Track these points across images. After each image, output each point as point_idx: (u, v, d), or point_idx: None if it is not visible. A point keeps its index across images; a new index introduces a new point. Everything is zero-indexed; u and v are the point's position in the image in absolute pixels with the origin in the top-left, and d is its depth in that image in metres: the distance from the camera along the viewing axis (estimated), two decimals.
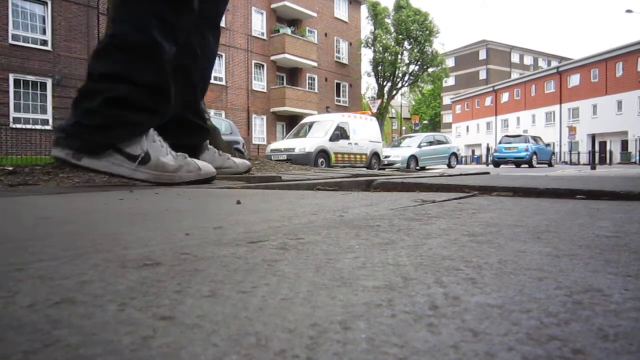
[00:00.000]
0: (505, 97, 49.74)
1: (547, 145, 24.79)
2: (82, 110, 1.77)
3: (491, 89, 50.88)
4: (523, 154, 20.96)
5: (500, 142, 23.26)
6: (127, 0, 1.82)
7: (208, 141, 2.52)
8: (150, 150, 1.85)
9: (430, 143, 19.21)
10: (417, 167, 17.51)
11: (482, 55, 60.04)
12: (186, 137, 2.30)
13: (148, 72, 1.80)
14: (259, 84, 24.32)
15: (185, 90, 2.23)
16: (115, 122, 1.75)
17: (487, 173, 2.84)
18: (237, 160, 2.68)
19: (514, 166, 20.73)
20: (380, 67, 32.79)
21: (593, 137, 16.54)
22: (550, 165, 22.03)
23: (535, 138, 22.79)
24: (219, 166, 2.40)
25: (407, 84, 35.24)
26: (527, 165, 20.43)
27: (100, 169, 1.80)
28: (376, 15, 31.42)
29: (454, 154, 20.23)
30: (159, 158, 1.86)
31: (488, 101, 51.55)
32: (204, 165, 2.04)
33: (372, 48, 32.40)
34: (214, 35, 2.39)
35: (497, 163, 22.31)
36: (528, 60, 62.21)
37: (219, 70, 22.46)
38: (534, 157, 20.91)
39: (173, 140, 2.08)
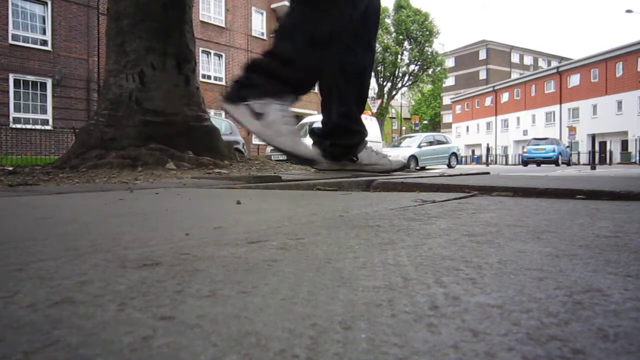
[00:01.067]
0: (505, 97, 49.74)
1: (567, 147, 27.76)
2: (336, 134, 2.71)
3: (491, 89, 50.88)
4: (551, 154, 23.42)
5: (528, 144, 25.69)
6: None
7: (367, 142, 2.99)
8: (364, 155, 2.71)
9: (430, 143, 19.23)
10: (417, 167, 17.51)
11: (482, 55, 60.04)
12: (346, 139, 2.86)
13: (354, 93, 2.65)
14: None
15: (341, 104, 2.80)
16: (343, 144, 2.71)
17: (487, 173, 2.84)
18: (392, 159, 3.06)
19: (537, 165, 22.78)
20: (380, 67, 32.78)
21: (593, 137, 16.54)
22: (568, 164, 24.35)
23: (557, 140, 25.62)
24: (374, 162, 2.82)
25: (407, 84, 35.25)
26: (553, 165, 22.39)
27: (337, 167, 2.69)
28: None
29: (454, 154, 20.26)
30: (369, 158, 2.75)
31: (488, 101, 51.55)
32: (395, 161, 2.80)
33: None
34: (364, 51, 2.81)
35: (525, 162, 24.31)
36: (528, 60, 62.22)
37: (218, 71, 22.45)
38: (560, 157, 23.41)
39: (335, 141, 2.75)
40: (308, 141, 2.94)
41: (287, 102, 2.31)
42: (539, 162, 23.10)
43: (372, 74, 3.16)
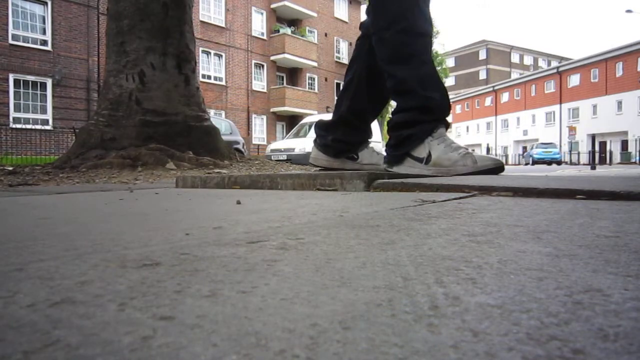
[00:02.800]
0: (505, 97, 49.74)
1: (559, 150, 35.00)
2: (389, 140, 2.47)
3: (491, 89, 50.88)
4: (557, 155, 30.84)
5: (537, 148, 32.81)
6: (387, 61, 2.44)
7: (370, 141, 2.88)
8: (432, 150, 2.31)
9: None
10: None
11: (482, 55, 60.04)
12: (349, 135, 2.76)
13: (413, 99, 2.34)
14: (259, 84, 24.32)
15: (355, 102, 2.73)
16: (401, 138, 2.35)
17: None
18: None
19: (548, 165, 27.72)
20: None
21: (593, 137, 16.54)
22: (559, 164, 29.95)
23: (556, 145, 32.77)
24: (374, 162, 2.74)
25: None
26: (557, 164, 27.78)
27: (402, 171, 2.34)
28: None
29: None
30: (438, 156, 2.31)
31: (488, 101, 51.55)
32: (481, 159, 2.35)
33: None
34: None
35: (535, 162, 30.41)
36: (528, 60, 62.22)
37: (218, 71, 22.46)
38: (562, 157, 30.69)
39: (339, 136, 2.66)
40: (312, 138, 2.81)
41: (440, 130, 2.36)
42: (548, 162, 28.95)
43: None
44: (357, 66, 2.68)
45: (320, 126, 2.87)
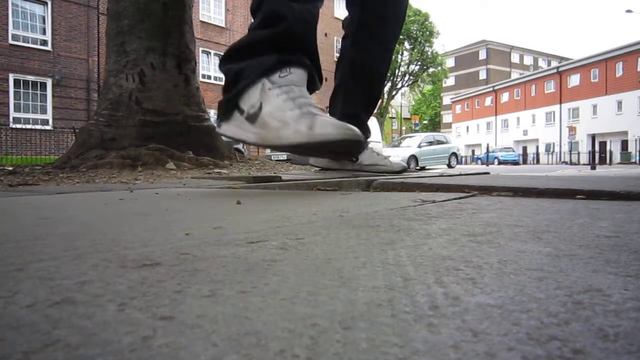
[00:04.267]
0: (505, 97, 49.74)
1: (519, 153, 41.14)
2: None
3: (491, 89, 50.88)
4: (516, 158, 36.85)
5: (500, 152, 37.73)
6: None
7: (369, 143, 2.61)
8: (266, 101, 1.46)
9: (430, 143, 19.24)
10: (417, 167, 17.52)
11: (482, 55, 60.04)
12: None
13: (258, 14, 1.58)
14: None
15: (347, 105, 2.47)
16: (231, 75, 1.56)
17: (487, 173, 2.84)
18: (393, 161, 2.77)
19: (506, 165, 31.94)
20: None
21: (593, 137, 16.55)
22: (517, 164, 34.84)
23: (513, 149, 38.91)
24: (374, 163, 2.56)
25: (407, 84, 35.26)
26: (516, 165, 32.84)
27: (231, 134, 1.57)
28: None
29: (454, 154, 20.29)
30: (270, 113, 1.44)
31: (488, 101, 51.55)
32: (323, 125, 1.44)
33: None
34: (379, 52, 2.49)
35: (500, 163, 34.90)
36: (528, 60, 62.22)
37: (218, 71, 22.45)
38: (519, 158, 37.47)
39: None
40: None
41: (292, 75, 1.54)
42: (511, 163, 34.42)
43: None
44: (342, 66, 2.48)
45: None
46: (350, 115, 2.30)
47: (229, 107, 1.55)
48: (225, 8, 22.53)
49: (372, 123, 16.12)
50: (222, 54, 1.68)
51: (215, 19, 22.22)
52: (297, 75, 1.55)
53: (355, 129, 1.51)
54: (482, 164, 34.35)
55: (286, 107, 1.46)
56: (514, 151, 36.50)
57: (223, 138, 1.94)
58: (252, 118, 1.48)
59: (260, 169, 3.99)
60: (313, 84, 1.64)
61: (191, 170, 3.51)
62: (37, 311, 0.36)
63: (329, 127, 1.45)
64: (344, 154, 1.64)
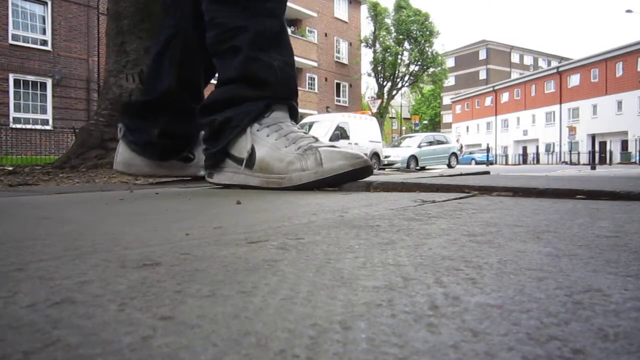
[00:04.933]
0: (505, 97, 49.75)
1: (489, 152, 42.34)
2: (204, 128, 1.62)
3: (491, 89, 50.89)
4: (491, 158, 36.69)
5: (477, 153, 41.29)
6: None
7: (202, 132, 1.98)
8: (258, 145, 1.45)
9: (430, 143, 19.24)
10: (417, 167, 17.53)
11: (482, 55, 60.04)
12: (182, 123, 1.82)
13: (233, 65, 1.56)
14: None
15: (185, 68, 1.79)
16: (216, 126, 1.56)
17: (487, 173, 2.84)
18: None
19: (485, 165, 32.21)
20: (380, 67, 32.80)
21: (593, 137, 16.55)
22: (492, 164, 36.21)
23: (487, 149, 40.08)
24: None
25: (407, 84, 35.27)
26: (491, 164, 33.49)
27: (226, 182, 1.57)
28: (376, 15, 31.43)
29: (454, 154, 20.31)
30: (271, 156, 1.44)
31: (488, 101, 51.56)
32: (330, 157, 1.41)
33: (373, 48, 32.41)
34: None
35: (477, 163, 36.98)
36: (528, 60, 62.23)
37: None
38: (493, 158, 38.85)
39: (166, 127, 1.76)
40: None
41: (276, 114, 1.53)
42: (486, 163, 35.52)
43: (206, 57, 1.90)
44: (180, 15, 1.76)
45: (130, 113, 1.88)
46: (190, 84, 1.83)
47: (219, 157, 1.56)
48: None
49: (372, 123, 16.12)
50: (199, 107, 1.62)
51: None
52: (280, 111, 1.54)
53: (361, 154, 1.51)
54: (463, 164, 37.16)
55: (281, 145, 1.45)
56: (488, 151, 39.21)
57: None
58: (249, 163, 1.47)
59: None
60: (294, 112, 1.61)
61: None
62: (37, 311, 0.36)
63: (337, 159, 1.43)
64: (347, 179, 1.51)
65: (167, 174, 1.94)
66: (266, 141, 1.47)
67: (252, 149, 1.47)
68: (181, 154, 1.90)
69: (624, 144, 35.93)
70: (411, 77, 34.14)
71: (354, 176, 1.47)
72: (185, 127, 1.85)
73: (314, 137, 1.54)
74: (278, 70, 1.53)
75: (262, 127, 1.49)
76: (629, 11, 31.70)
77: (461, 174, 2.55)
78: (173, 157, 1.89)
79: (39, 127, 15.93)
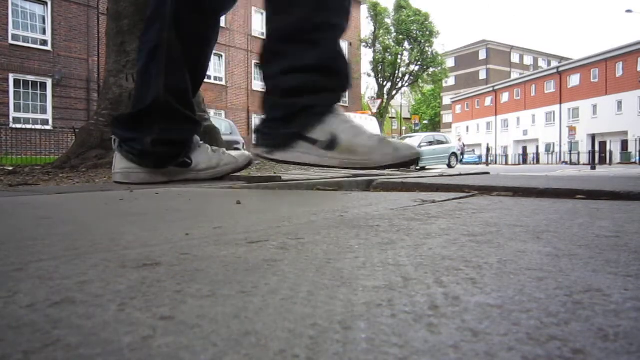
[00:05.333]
0: (505, 97, 49.74)
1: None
2: (267, 107, 1.79)
3: (491, 89, 50.88)
4: (478, 159, 40.19)
5: (467, 154, 41.68)
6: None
7: (198, 137, 2.06)
8: (339, 132, 1.65)
9: (430, 143, 19.25)
10: (417, 167, 17.52)
11: (482, 55, 60.05)
12: (174, 129, 1.87)
13: (314, 55, 1.69)
14: (259, 84, 24.28)
15: (172, 75, 1.84)
16: (294, 111, 1.70)
17: (487, 173, 2.84)
18: (235, 153, 2.20)
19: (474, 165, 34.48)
20: (380, 67, 32.79)
21: (593, 137, 16.56)
22: (479, 164, 37.92)
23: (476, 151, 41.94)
24: (215, 165, 2.06)
25: (407, 84, 35.27)
26: (477, 165, 35.26)
27: (290, 159, 1.75)
28: (376, 15, 31.43)
29: (454, 154, 20.32)
30: (351, 141, 1.65)
31: (488, 101, 51.56)
32: (400, 147, 1.75)
33: (372, 48, 32.40)
34: (214, 24, 2.03)
35: (463, 163, 38.31)
36: (528, 60, 62.23)
37: (219, 70, 22.46)
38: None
39: (159, 135, 1.81)
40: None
41: (338, 107, 1.76)
42: (475, 163, 38.25)
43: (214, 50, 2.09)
44: (160, 27, 1.78)
45: (121, 124, 1.93)
46: (178, 90, 1.86)
47: (291, 138, 1.71)
48: None
49: (372, 123, 16.12)
50: (283, 91, 1.76)
51: None
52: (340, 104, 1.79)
53: (416, 148, 1.86)
54: None
55: (358, 132, 1.71)
56: (474, 153, 38.20)
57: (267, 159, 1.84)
58: (330, 146, 1.67)
59: (260, 169, 3.99)
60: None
61: None
62: (37, 311, 0.36)
63: (404, 149, 1.76)
64: (409, 164, 1.83)
65: (166, 181, 1.97)
66: (345, 129, 1.68)
67: (334, 135, 1.66)
68: (177, 160, 1.95)
69: (624, 144, 35.92)
70: (411, 77, 34.14)
71: (413, 162, 1.81)
72: (179, 133, 1.91)
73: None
74: (345, 61, 1.73)
75: (337, 116, 1.70)
76: (629, 11, 31.71)
77: (461, 174, 2.55)
78: (170, 163, 1.94)
79: (39, 127, 15.93)
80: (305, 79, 1.69)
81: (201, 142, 2.09)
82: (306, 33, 1.68)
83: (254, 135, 1.88)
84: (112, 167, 2.04)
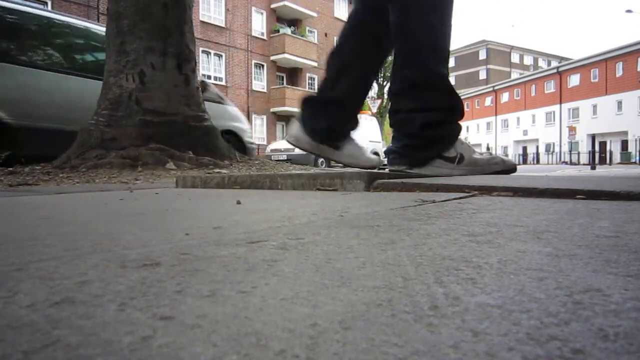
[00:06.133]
0: (505, 97, 49.76)
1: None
2: (406, 135, 2.33)
3: (491, 89, 50.92)
4: None
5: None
6: (409, 49, 2.29)
7: (350, 136, 2.67)
8: (463, 151, 2.34)
9: None
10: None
11: (482, 55, 60.05)
12: (341, 122, 2.54)
13: (441, 98, 2.29)
14: (259, 84, 24.33)
15: (354, 84, 2.51)
16: (433, 139, 2.30)
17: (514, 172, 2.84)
18: (372, 156, 2.75)
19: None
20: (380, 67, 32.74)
21: (593, 137, 16.57)
22: None
23: None
24: (357, 157, 2.57)
25: None
26: None
27: (428, 172, 2.27)
28: None
29: None
30: (471, 156, 2.34)
31: (488, 101, 51.58)
32: (507, 159, 2.49)
33: None
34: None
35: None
36: (528, 60, 62.24)
37: (218, 70, 22.46)
38: None
39: (332, 123, 2.44)
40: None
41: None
42: None
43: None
44: (356, 41, 2.43)
45: (311, 105, 2.55)
46: (354, 96, 2.48)
47: (431, 158, 2.29)
48: (225, 8, 22.53)
49: (372, 123, 16.13)
50: (423, 124, 2.31)
51: (215, 19, 22.22)
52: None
53: (512, 160, 2.64)
54: None
55: (475, 153, 2.38)
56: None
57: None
58: (459, 161, 2.33)
59: (261, 169, 3.99)
60: None
61: (191, 170, 3.51)
62: (37, 311, 0.36)
63: (507, 162, 2.48)
64: (511, 172, 2.42)
65: (319, 154, 2.59)
66: (465, 149, 2.36)
67: (460, 154, 2.33)
68: (334, 143, 2.52)
69: (624, 144, 35.93)
70: None
71: (513, 171, 2.44)
72: (346, 124, 2.51)
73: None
74: (459, 98, 2.37)
75: (459, 142, 2.36)
76: (629, 11, 31.72)
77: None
78: (328, 143, 2.53)
79: None
80: (439, 116, 2.31)
81: (353, 138, 2.61)
82: (435, 81, 2.26)
83: (389, 156, 2.44)
84: (288, 129, 2.65)
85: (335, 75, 2.49)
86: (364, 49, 2.46)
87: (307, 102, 2.55)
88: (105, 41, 4.43)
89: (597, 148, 20.53)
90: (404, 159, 2.34)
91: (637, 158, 30.89)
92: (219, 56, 22.39)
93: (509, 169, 2.42)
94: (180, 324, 0.33)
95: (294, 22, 25.71)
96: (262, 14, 24.33)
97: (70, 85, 4.97)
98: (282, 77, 25.46)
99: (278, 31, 24.25)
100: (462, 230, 0.75)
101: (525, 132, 47.08)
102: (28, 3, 5.38)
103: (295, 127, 2.56)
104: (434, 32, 2.27)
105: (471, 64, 61.08)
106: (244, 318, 0.35)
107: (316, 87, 26.77)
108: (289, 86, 24.53)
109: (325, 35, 27.45)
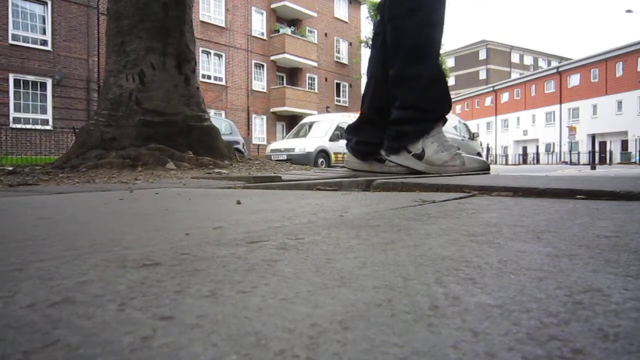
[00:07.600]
0: (505, 97, 49.73)
1: None
2: (389, 126, 2.62)
3: (491, 89, 50.87)
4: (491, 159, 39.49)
5: None
6: (393, 51, 2.60)
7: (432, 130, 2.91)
8: (427, 148, 2.53)
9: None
10: None
11: (482, 55, 60.03)
12: (373, 135, 2.81)
13: (411, 98, 2.51)
14: (259, 84, 24.31)
15: (374, 99, 2.84)
16: (401, 133, 2.58)
17: (487, 173, 2.83)
18: (466, 156, 2.99)
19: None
20: None
21: (593, 137, 16.56)
22: None
23: None
24: (405, 165, 2.75)
25: None
26: None
27: (397, 161, 2.63)
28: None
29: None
30: (431, 155, 2.54)
31: (488, 101, 51.54)
32: (469, 161, 2.60)
33: None
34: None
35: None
36: (528, 60, 62.21)
37: (218, 71, 22.45)
38: None
39: (362, 138, 2.81)
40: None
41: (437, 128, 2.55)
42: None
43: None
44: (372, 65, 2.80)
45: (347, 129, 3.00)
46: (377, 109, 2.78)
47: (399, 149, 2.62)
48: (225, 8, 22.52)
49: None
50: (392, 121, 2.69)
51: (215, 19, 22.21)
52: (439, 126, 2.59)
53: (485, 162, 2.75)
54: None
55: (439, 150, 2.52)
56: (488, 151, 39.27)
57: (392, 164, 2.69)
58: (419, 157, 2.54)
59: (260, 169, 3.99)
60: (445, 120, 2.66)
61: (191, 170, 3.51)
62: (37, 311, 0.36)
63: (473, 162, 2.61)
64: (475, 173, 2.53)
65: (368, 170, 2.82)
66: (431, 146, 2.52)
67: (423, 149, 2.52)
68: (375, 156, 2.82)
69: (624, 144, 35.90)
70: None
71: (481, 172, 2.53)
72: (376, 137, 2.80)
73: (458, 147, 2.65)
74: (439, 99, 2.54)
75: (429, 137, 2.53)
76: (629, 11, 31.69)
77: (461, 174, 2.55)
78: (370, 158, 2.85)
79: (39, 127, 15.92)
80: (408, 113, 2.57)
81: (403, 150, 2.87)
82: (408, 80, 2.53)
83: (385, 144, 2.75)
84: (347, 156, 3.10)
85: (362, 98, 2.88)
86: (377, 72, 2.76)
87: (347, 128, 2.94)
88: (106, 41, 4.43)
89: (597, 148, 20.50)
90: (385, 145, 2.71)
91: (637, 158, 30.86)
92: (219, 56, 22.37)
93: (467, 171, 2.52)
94: (180, 324, 0.33)
95: (294, 22, 25.69)
96: (262, 13, 24.31)
97: None
98: (282, 77, 25.44)
99: (278, 31, 24.24)
100: (462, 230, 0.75)
101: (525, 132, 47.04)
102: None
103: (347, 154, 2.97)
104: (413, 37, 2.55)
105: (471, 64, 61.05)
106: (244, 318, 0.35)
107: (316, 87, 26.54)
108: (289, 86, 24.51)
109: (325, 35, 27.43)
